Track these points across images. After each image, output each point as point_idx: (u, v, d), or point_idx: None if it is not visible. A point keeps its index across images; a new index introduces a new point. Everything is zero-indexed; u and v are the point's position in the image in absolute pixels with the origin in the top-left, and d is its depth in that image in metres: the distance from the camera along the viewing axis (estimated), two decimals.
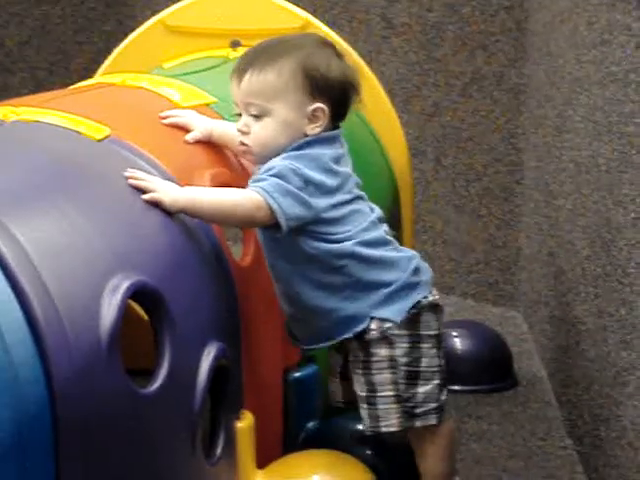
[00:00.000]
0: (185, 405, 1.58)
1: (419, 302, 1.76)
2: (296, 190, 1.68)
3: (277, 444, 1.89)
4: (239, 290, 1.76)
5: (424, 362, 1.77)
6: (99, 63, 2.49)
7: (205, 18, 2.40)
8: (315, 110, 1.73)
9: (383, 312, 1.75)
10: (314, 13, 2.47)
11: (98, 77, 2.33)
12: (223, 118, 1.99)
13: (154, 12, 2.50)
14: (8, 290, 1.38)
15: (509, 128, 3.08)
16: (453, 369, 2.61)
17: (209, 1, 2.40)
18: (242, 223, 1.75)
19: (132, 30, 2.47)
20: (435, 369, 1.78)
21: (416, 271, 1.77)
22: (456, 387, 2.62)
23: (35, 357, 1.37)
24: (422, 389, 1.77)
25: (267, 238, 1.76)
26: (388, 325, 1.75)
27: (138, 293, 1.52)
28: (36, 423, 1.35)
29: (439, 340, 1.79)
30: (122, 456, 1.46)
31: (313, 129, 1.73)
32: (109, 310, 1.47)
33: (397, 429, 1.77)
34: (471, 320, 2.94)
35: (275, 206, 1.67)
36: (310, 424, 1.94)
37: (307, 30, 2.37)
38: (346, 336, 1.76)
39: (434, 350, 1.78)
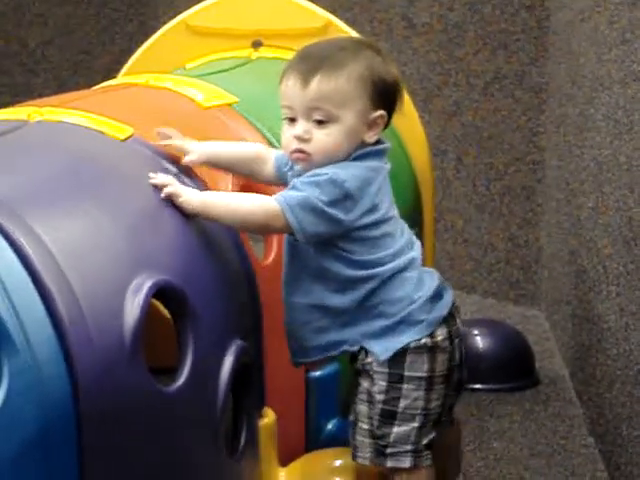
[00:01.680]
0: (208, 403, 1.58)
1: (409, 344, 1.67)
2: (324, 207, 1.61)
3: (299, 442, 1.89)
4: (261, 289, 1.76)
5: (402, 403, 1.67)
6: (122, 63, 2.50)
7: (227, 18, 2.40)
8: (377, 117, 1.67)
9: (371, 345, 1.67)
10: (335, 13, 2.47)
11: (121, 77, 2.34)
12: (245, 118, 2.00)
13: (177, 12, 2.50)
14: (32, 289, 1.39)
15: (530, 127, 3.08)
16: (474, 368, 2.62)
17: (231, 1, 2.40)
18: (257, 231, 1.70)
19: (155, 30, 2.48)
20: (417, 412, 1.68)
21: (424, 308, 1.68)
22: (477, 386, 2.62)
23: (59, 355, 1.37)
24: (397, 429, 1.68)
25: (288, 239, 1.71)
26: (369, 360, 1.68)
27: (161, 292, 1.53)
28: (60, 420, 1.36)
29: (430, 382, 1.68)
30: (145, 453, 1.47)
31: (371, 137, 1.67)
32: (132, 309, 1.47)
33: (369, 464, 1.71)
34: (492, 319, 2.93)
35: (293, 221, 1.61)
36: (332, 422, 1.94)
37: (328, 30, 2.37)
38: (331, 354, 1.70)
39: (419, 392, 1.67)
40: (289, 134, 1.67)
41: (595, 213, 2.43)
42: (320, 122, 1.65)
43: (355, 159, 1.66)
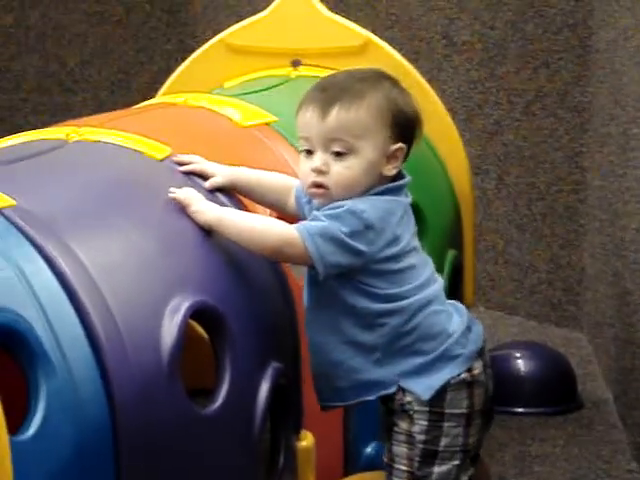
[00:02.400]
0: (245, 425, 1.58)
1: (449, 381, 1.63)
2: (345, 237, 1.57)
3: (338, 465, 1.88)
4: (299, 309, 1.75)
5: (444, 441, 1.63)
6: (161, 82, 2.50)
7: (266, 37, 2.40)
8: (396, 150, 1.63)
9: (411, 384, 1.63)
10: (375, 31, 2.47)
11: (160, 97, 2.34)
12: (284, 137, 1.99)
13: (215, 32, 2.51)
14: (69, 307, 1.39)
15: (573, 147, 3.06)
16: (516, 391, 2.60)
17: (270, 20, 2.40)
18: (270, 255, 1.64)
19: (193, 49, 2.49)
20: (457, 449, 1.64)
21: (460, 342, 1.64)
22: (520, 409, 2.59)
23: (96, 374, 1.37)
24: (438, 469, 1.64)
25: (310, 277, 1.66)
26: (409, 399, 1.63)
27: (198, 312, 1.52)
28: (97, 440, 1.35)
29: (468, 419, 1.64)
30: (182, 474, 1.46)
31: (390, 170, 1.63)
32: (170, 329, 1.47)
33: None
34: (534, 341, 2.90)
35: (312, 249, 1.57)
36: (371, 446, 1.92)
37: (368, 48, 2.36)
38: (366, 398, 1.66)
39: (459, 429, 1.64)
40: (307, 167, 1.63)
41: (639, 234, 2.40)
42: (339, 154, 1.61)
43: (374, 195, 1.63)
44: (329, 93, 1.62)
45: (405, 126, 1.65)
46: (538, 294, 3.16)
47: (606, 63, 2.80)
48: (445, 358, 1.64)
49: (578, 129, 3.03)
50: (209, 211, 1.62)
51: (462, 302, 1.76)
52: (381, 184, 1.64)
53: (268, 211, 1.78)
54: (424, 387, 1.63)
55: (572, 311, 3.13)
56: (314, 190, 1.63)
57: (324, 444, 1.78)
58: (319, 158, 1.62)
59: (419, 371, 1.63)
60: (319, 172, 1.62)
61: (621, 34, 2.62)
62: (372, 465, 1.87)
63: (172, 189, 1.63)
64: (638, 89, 2.43)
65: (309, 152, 1.63)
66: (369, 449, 1.92)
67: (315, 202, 1.67)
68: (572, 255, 3.11)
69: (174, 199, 1.62)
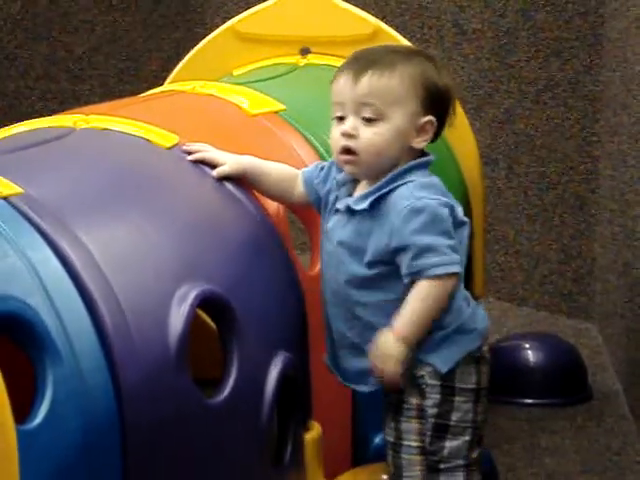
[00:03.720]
0: (253, 415, 1.57)
1: (466, 353, 1.65)
2: (446, 248, 1.62)
3: (346, 456, 1.88)
4: (307, 299, 1.74)
5: (455, 416, 1.66)
6: (169, 70, 2.50)
7: (275, 25, 2.39)
8: (426, 123, 1.65)
9: (430, 357, 1.65)
10: (384, 19, 2.46)
11: (168, 84, 2.34)
12: (292, 126, 1.98)
13: (224, 19, 2.50)
14: (77, 297, 1.39)
15: (584, 136, 3.04)
16: (526, 382, 2.59)
17: (279, 8, 2.39)
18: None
19: (202, 37, 2.48)
20: (467, 424, 1.66)
21: (472, 317, 1.67)
22: (529, 400, 2.58)
23: (103, 364, 1.37)
24: (449, 443, 1.66)
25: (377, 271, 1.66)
26: (422, 373, 1.65)
27: (206, 302, 1.52)
28: (104, 429, 1.35)
29: (478, 394, 1.67)
30: (189, 465, 1.46)
31: (419, 143, 1.65)
32: (177, 319, 1.47)
33: None
34: (544, 332, 2.89)
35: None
36: (379, 436, 1.91)
37: (378, 36, 2.35)
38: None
39: (469, 404, 1.66)
40: (337, 132, 1.66)
41: None
42: (369, 120, 1.63)
43: (405, 172, 1.64)
44: (363, 61, 1.66)
45: (437, 99, 1.66)
46: (548, 285, 3.15)
47: (618, 52, 2.79)
48: (462, 332, 1.66)
49: (589, 118, 3.02)
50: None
51: (472, 293, 1.77)
52: (409, 157, 1.66)
53: None
54: (443, 359, 1.65)
55: (582, 302, 3.12)
56: (344, 157, 1.66)
57: (332, 434, 1.78)
58: (349, 122, 1.64)
59: (439, 344, 1.65)
60: (348, 136, 1.64)
61: (633, 23, 2.61)
62: (381, 455, 1.86)
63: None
64: None
65: (341, 119, 1.66)
66: (377, 439, 1.91)
67: (344, 172, 1.68)
68: (583, 245, 3.09)
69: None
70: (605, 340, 2.95)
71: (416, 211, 1.61)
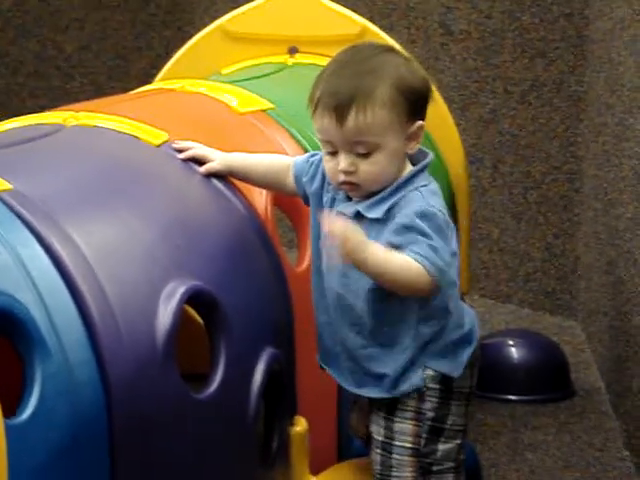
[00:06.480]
0: (239, 410, 1.58)
1: (469, 354, 1.65)
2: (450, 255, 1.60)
3: (331, 451, 1.88)
4: (294, 296, 1.75)
5: (450, 420, 1.66)
6: (158, 68, 2.50)
7: (263, 24, 2.40)
8: (416, 129, 1.64)
9: (439, 364, 1.64)
10: (372, 19, 2.47)
11: (157, 82, 2.34)
12: (280, 124, 1.99)
13: (213, 18, 2.50)
14: (65, 292, 1.39)
15: (568, 136, 3.05)
16: (509, 379, 2.61)
17: (267, 7, 2.40)
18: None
19: (191, 36, 2.48)
20: (459, 428, 1.67)
21: (471, 320, 1.68)
22: (512, 397, 2.60)
23: (91, 358, 1.38)
24: (442, 446, 1.66)
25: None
26: (423, 376, 1.63)
27: (194, 298, 1.53)
28: (92, 423, 1.36)
29: (468, 397, 1.68)
30: (176, 458, 1.47)
31: (413, 148, 1.64)
32: (165, 314, 1.47)
33: None
34: (528, 329, 2.91)
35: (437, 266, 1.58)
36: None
37: (365, 36, 2.36)
38: (402, 390, 1.65)
39: (462, 408, 1.67)
40: (333, 167, 1.63)
41: (633, 223, 2.40)
42: (364, 154, 1.61)
43: (411, 177, 1.63)
44: (341, 97, 1.60)
45: (419, 101, 1.65)
46: (532, 282, 3.16)
47: (602, 53, 2.80)
48: (466, 335, 1.66)
49: (574, 118, 3.03)
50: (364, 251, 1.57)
51: None
52: (406, 160, 1.65)
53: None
54: (453, 365, 1.65)
55: (566, 299, 3.13)
56: (345, 187, 1.64)
57: (318, 430, 1.79)
58: (344, 159, 1.61)
59: (445, 350, 1.64)
60: (347, 173, 1.61)
61: (617, 24, 2.62)
62: (366, 450, 1.88)
63: (326, 216, 1.60)
64: (634, 79, 2.43)
65: (333, 153, 1.63)
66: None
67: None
68: (566, 244, 3.11)
69: (330, 231, 1.57)
70: (588, 337, 2.96)
71: (426, 215, 1.60)
